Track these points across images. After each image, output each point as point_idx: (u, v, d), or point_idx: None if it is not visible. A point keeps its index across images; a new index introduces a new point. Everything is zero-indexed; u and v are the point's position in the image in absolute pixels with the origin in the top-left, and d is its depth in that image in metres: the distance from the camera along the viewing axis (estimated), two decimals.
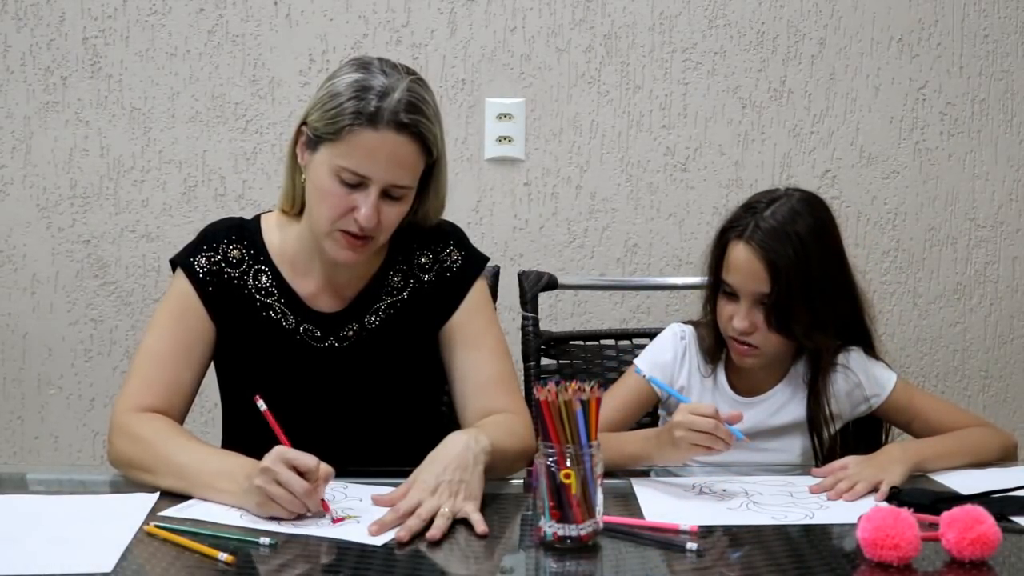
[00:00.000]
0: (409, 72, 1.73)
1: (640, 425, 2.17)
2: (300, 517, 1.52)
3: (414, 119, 1.68)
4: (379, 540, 1.47)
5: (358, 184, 1.69)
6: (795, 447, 1.95)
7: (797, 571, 1.41)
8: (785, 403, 1.95)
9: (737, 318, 1.85)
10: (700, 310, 1.99)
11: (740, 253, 1.84)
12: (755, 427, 1.93)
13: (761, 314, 1.84)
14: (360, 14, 2.71)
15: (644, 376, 1.83)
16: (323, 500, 1.54)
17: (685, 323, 2.02)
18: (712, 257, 1.91)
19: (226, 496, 1.57)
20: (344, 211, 1.70)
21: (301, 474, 1.51)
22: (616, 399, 1.94)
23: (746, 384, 1.95)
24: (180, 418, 1.77)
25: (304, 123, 1.74)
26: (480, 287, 1.89)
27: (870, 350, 1.97)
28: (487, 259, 1.92)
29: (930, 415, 1.94)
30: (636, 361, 2.00)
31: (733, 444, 1.69)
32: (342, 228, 1.71)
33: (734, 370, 1.96)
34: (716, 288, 1.90)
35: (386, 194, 1.70)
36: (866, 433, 2.01)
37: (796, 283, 1.81)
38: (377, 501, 1.59)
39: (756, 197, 1.90)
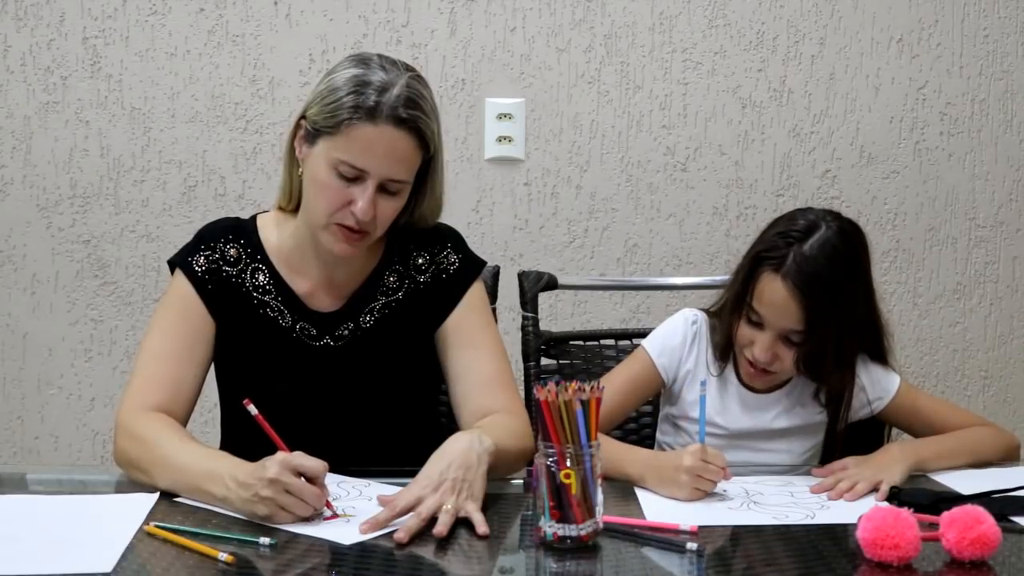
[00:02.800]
0: (408, 68, 1.74)
1: (638, 424, 2.18)
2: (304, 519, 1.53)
3: (412, 114, 1.69)
4: (363, 538, 1.47)
5: (355, 178, 1.70)
6: (796, 449, 1.95)
7: (797, 571, 1.41)
8: (792, 407, 1.94)
9: (759, 349, 1.82)
10: (707, 305, 1.98)
11: (776, 288, 1.78)
12: (757, 427, 1.93)
13: (784, 347, 1.82)
14: (360, 14, 2.71)
15: (703, 393, 1.78)
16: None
17: (699, 309, 1.99)
18: (740, 279, 1.85)
19: (213, 499, 1.57)
20: (341, 204, 1.70)
21: (307, 478, 1.52)
22: (618, 383, 1.92)
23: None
24: (185, 416, 1.78)
25: (303, 117, 1.75)
26: (477, 289, 1.89)
27: (879, 358, 1.95)
28: (484, 263, 1.92)
29: (933, 417, 1.93)
30: (644, 343, 1.98)
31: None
32: (338, 221, 1.72)
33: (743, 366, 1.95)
34: (738, 308, 1.85)
35: (383, 188, 1.71)
36: (867, 433, 2.01)
37: (830, 327, 1.78)
38: (383, 502, 1.58)
39: (791, 223, 1.83)
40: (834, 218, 1.84)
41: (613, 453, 1.75)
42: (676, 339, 1.96)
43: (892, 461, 1.76)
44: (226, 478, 1.55)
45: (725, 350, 1.92)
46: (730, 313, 1.87)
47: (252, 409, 1.60)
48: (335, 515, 1.54)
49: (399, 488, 1.59)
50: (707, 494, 1.67)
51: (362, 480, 1.69)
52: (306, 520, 1.52)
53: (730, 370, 1.95)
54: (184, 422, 1.77)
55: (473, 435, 1.63)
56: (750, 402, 1.94)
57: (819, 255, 1.78)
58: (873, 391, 1.94)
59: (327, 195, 1.71)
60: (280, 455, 1.53)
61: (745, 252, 1.89)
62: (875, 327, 1.91)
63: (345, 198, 1.70)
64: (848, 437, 1.98)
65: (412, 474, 1.58)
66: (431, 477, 1.55)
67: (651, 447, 2.07)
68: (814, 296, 1.76)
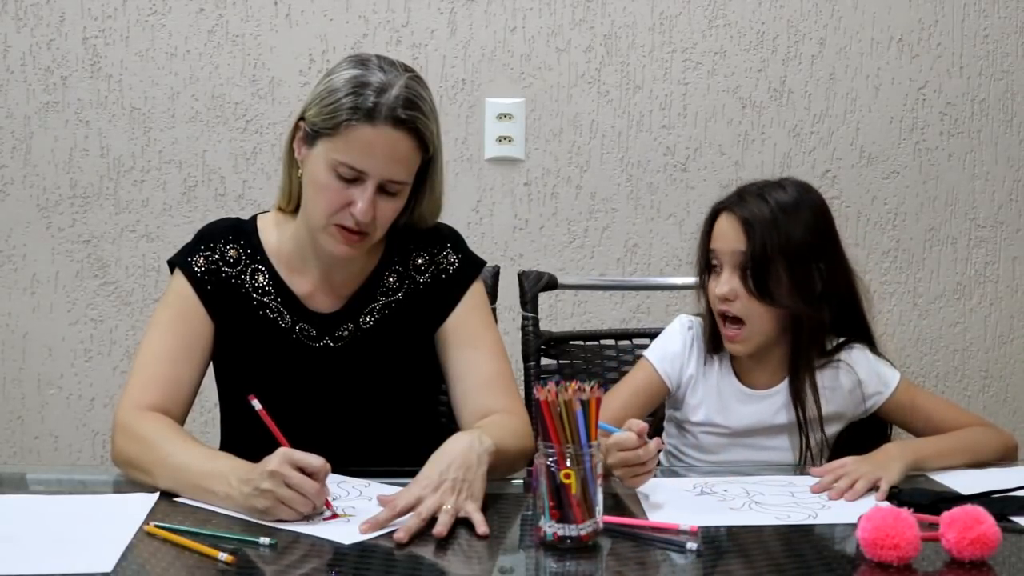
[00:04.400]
0: (407, 69, 1.74)
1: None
2: (305, 516, 1.53)
3: (411, 115, 1.69)
4: (363, 538, 1.47)
5: (355, 179, 1.70)
6: (798, 445, 1.95)
7: (797, 571, 1.41)
8: (789, 401, 1.94)
9: (719, 285, 1.88)
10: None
11: (722, 221, 1.89)
12: (759, 423, 1.93)
13: (740, 283, 1.86)
14: (360, 14, 2.71)
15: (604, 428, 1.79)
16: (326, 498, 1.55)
17: (694, 315, 2.01)
18: (701, 238, 1.94)
19: (214, 498, 1.57)
20: (340, 205, 1.70)
21: (308, 474, 1.52)
22: (624, 394, 1.94)
23: (751, 379, 1.95)
24: (182, 416, 1.78)
25: (302, 118, 1.75)
26: (477, 289, 1.89)
27: (872, 347, 1.97)
28: (484, 263, 1.92)
29: (932, 415, 1.94)
30: (645, 353, 2.00)
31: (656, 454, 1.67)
32: (338, 223, 1.72)
33: (740, 363, 1.95)
34: (706, 270, 1.93)
35: (382, 189, 1.71)
36: (868, 433, 2.01)
37: (772, 242, 1.84)
38: (382, 502, 1.58)
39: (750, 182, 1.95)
40: (793, 182, 1.94)
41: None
42: (676, 345, 1.97)
43: (890, 459, 1.76)
44: (228, 476, 1.55)
45: (714, 341, 1.94)
46: (701, 277, 1.94)
47: (256, 404, 1.61)
48: (335, 515, 1.54)
49: (399, 488, 1.59)
50: (650, 473, 1.66)
51: (362, 480, 1.69)
52: (305, 519, 1.52)
53: (728, 368, 1.96)
54: (181, 422, 1.77)
55: (473, 435, 1.63)
56: (749, 398, 1.94)
57: (757, 188, 1.90)
58: (873, 385, 1.94)
59: (326, 196, 1.71)
60: (282, 450, 1.54)
61: None
62: (846, 280, 1.92)
63: (344, 199, 1.70)
64: (849, 437, 1.98)
65: (412, 474, 1.58)
66: (431, 478, 1.55)
67: None
68: (752, 213, 1.85)
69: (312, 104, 1.72)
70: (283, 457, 1.52)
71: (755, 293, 1.85)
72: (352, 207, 1.70)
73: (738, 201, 1.89)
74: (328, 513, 1.54)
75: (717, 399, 1.95)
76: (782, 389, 1.94)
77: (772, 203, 1.87)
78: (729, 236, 1.87)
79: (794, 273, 1.85)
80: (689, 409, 1.96)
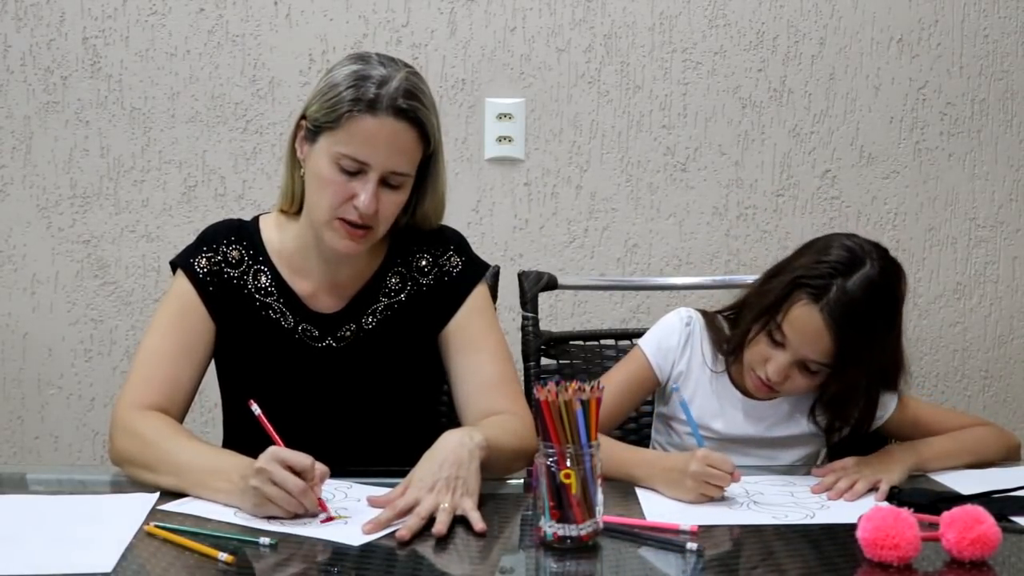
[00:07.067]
0: (406, 65, 1.76)
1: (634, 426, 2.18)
2: (297, 516, 1.52)
3: (412, 105, 1.70)
4: (369, 538, 1.47)
5: (357, 171, 1.70)
6: (791, 457, 1.94)
7: (797, 571, 1.41)
8: (788, 414, 1.92)
9: (773, 369, 1.79)
10: (706, 305, 1.97)
11: (812, 319, 1.75)
12: (755, 435, 1.92)
13: (799, 372, 1.80)
14: (360, 14, 2.71)
15: (680, 398, 1.79)
16: (320, 499, 1.54)
17: (695, 310, 1.98)
18: (773, 296, 1.80)
19: (220, 495, 1.58)
20: (343, 199, 1.71)
21: (297, 473, 1.51)
22: (616, 383, 1.91)
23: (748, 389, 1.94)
24: (180, 416, 1.78)
25: (304, 117, 1.76)
26: (481, 292, 1.89)
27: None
28: (488, 266, 1.92)
29: (934, 425, 1.92)
30: (640, 342, 1.98)
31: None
32: (341, 216, 1.72)
33: (738, 371, 1.93)
34: (761, 322, 1.81)
35: (385, 183, 1.72)
36: (866, 437, 2.00)
37: (860, 368, 1.78)
38: (373, 502, 1.59)
39: (838, 252, 1.79)
40: (879, 255, 1.80)
41: (618, 456, 1.74)
42: (672, 339, 1.95)
43: (892, 461, 1.76)
44: (231, 472, 1.56)
45: (734, 352, 1.89)
46: (751, 322, 1.83)
47: (255, 408, 1.61)
48: (331, 517, 1.54)
49: (384, 489, 1.60)
50: (713, 499, 1.66)
51: (344, 481, 1.68)
52: (297, 518, 1.52)
53: (724, 376, 1.93)
54: (180, 422, 1.77)
55: (463, 432, 1.64)
56: (747, 409, 1.92)
57: (861, 295, 1.75)
58: None
59: (330, 190, 1.71)
60: (272, 448, 1.54)
61: (780, 264, 1.86)
62: (897, 367, 1.88)
63: (348, 192, 1.71)
64: (847, 443, 1.97)
65: (402, 475, 1.59)
66: (424, 479, 1.55)
67: (648, 447, 2.06)
68: (849, 336, 1.74)
69: (313, 101, 1.73)
70: (271, 455, 1.52)
71: (828, 412, 1.84)
72: (355, 200, 1.70)
73: (837, 309, 1.73)
74: (324, 516, 1.54)
75: (715, 403, 1.93)
76: (779, 403, 1.91)
77: (869, 320, 1.74)
78: (814, 343, 1.76)
79: (868, 391, 1.84)
80: (675, 407, 1.94)
